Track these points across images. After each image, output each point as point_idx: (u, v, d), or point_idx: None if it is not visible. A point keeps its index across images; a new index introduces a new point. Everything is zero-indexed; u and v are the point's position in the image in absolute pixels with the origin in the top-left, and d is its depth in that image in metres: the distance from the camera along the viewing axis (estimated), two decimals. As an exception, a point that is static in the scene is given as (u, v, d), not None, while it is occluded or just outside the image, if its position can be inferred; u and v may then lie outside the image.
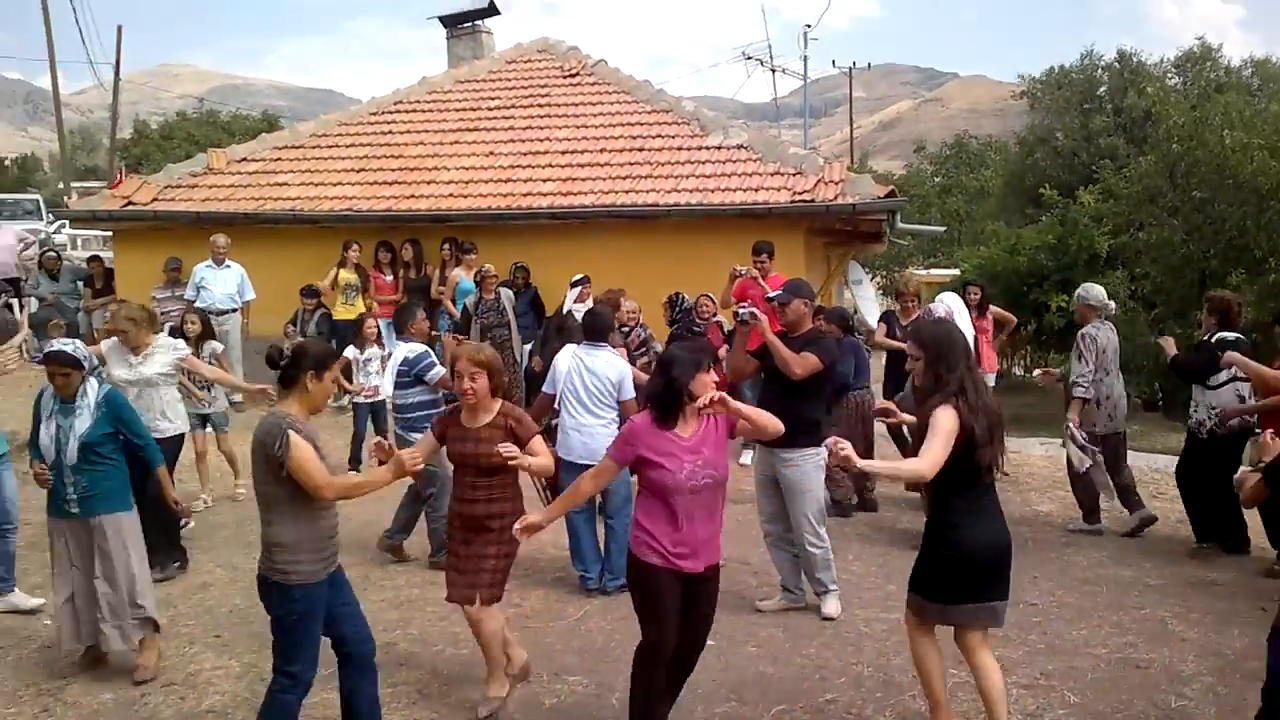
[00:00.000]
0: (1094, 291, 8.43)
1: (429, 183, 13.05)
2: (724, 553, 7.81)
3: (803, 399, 6.37)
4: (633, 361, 11.42)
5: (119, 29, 33.63)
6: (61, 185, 34.89)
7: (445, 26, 16.89)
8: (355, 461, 9.82)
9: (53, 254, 14.33)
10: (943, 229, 21.94)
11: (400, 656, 6.06)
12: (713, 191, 11.92)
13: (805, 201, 11.49)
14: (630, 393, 7.25)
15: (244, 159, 14.33)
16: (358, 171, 13.52)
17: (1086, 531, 8.43)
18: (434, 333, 7.72)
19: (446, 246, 12.38)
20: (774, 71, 36.03)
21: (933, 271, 26.55)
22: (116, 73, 34.28)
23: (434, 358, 7.59)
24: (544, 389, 7.47)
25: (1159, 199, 16.38)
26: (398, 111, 14.99)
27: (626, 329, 11.74)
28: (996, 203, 26.62)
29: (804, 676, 5.77)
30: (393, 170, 13.42)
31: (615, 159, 12.88)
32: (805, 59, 36.50)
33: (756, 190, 11.86)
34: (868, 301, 15.21)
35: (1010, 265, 18.60)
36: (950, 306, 8.31)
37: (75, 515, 5.56)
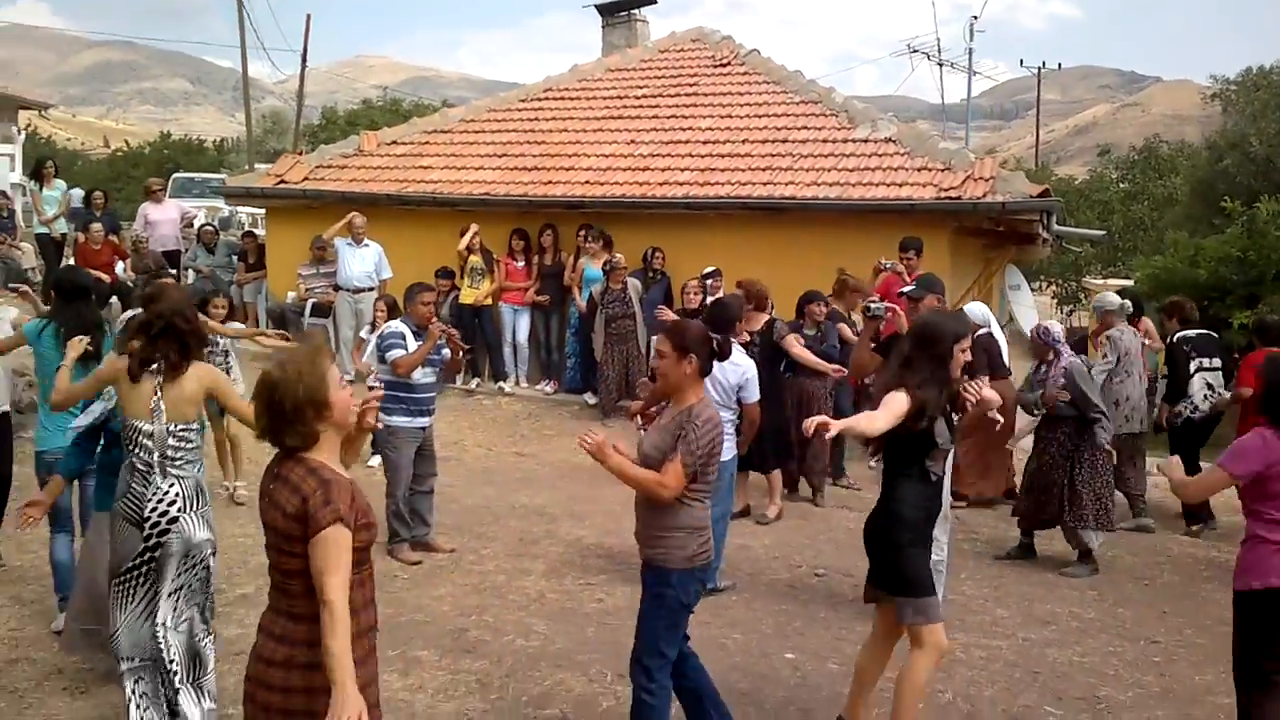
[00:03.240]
0: (1109, 298, 9.11)
1: (568, 169, 12.97)
2: (825, 561, 7.57)
3: None
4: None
5: (308, 17, 35.02)
6: (247, 167, 36.56)
7: (601, 15, 16.83)
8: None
9: (210, 228, 14.90)
10: (1101, 233, 20.56)
11: (468, 644, 5.92)
12: (854, 186, 11.44)
13: (951, 198, 10.89)
14: (754, 395, 6.87)
15: (393, 142, 14.57)
16: (500, 157, 13.54)
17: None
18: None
19: (582, 234, 12.27)
20: (940, 66, 34.21)
21: (1109, 281, 25.14)
22: (304, 60, 35.78)
23: (403, 339, 7.11)
24: None
25: (1360, 210, 14.97)
26: (546, 99, 14.98)
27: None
28: (1182, 211, 24.98)
29: (883, 700, 5.35)
30: (534, 156, 13.39)
31: (756, 150, 12.52)
32: (970, 51, 34.61)
33: (900, 186, 11.31)
34: (1024, 308, 14.43)
35: (1189, 277, 17.35)
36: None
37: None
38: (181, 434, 4.62)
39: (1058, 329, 7.87)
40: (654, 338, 4.28)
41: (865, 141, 12.29)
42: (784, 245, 11.44)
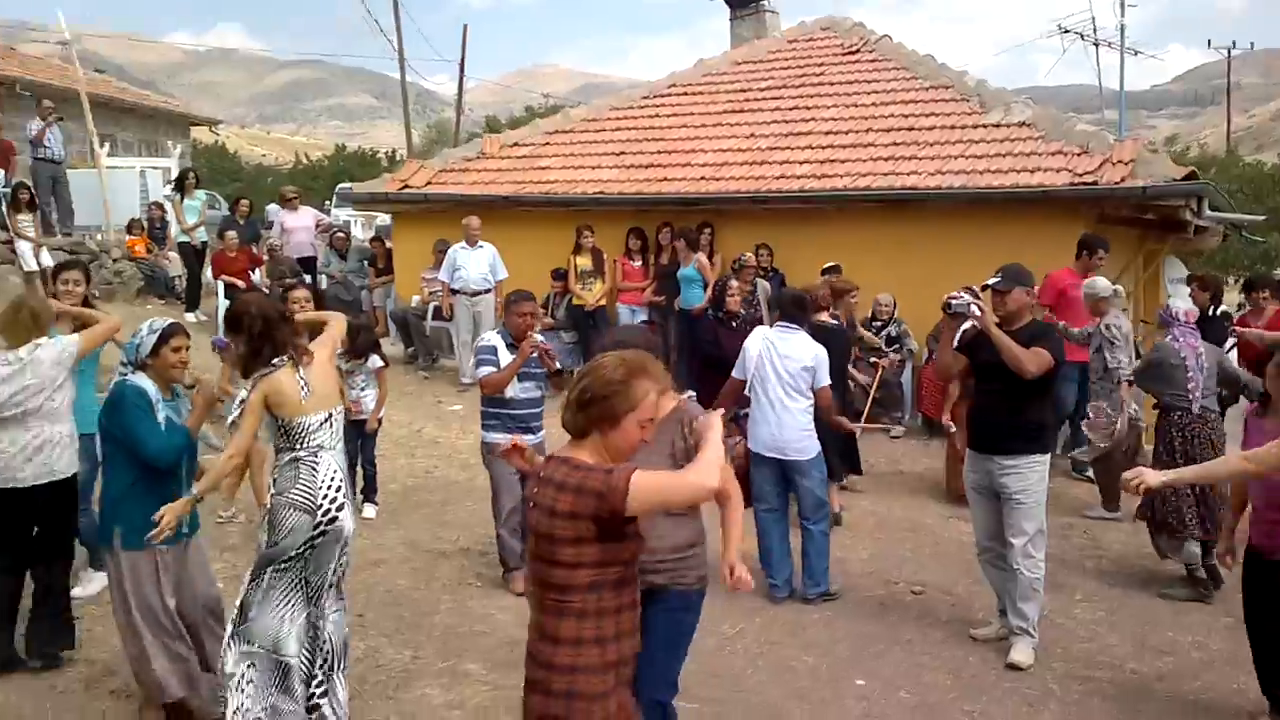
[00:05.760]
0: (1099, 284, 8.35)
1: (685, 165, 12.63)
2: (926, 577, 7.02)
3: (1029, 400, 5.61)
4: (881, 356, 10.59)
5: (464, 28, 35.70)
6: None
7: (730, 7, 16.41)
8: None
9: (341, 234, 15.19)
10: (1259, 218, 18.73)
11: (520, 658, 5.64)
12: (982, 173, 10.72)
13: (1086, 184, 10.08)
14: (826, 379, 6.59)
15: (515, 144, 14.53)
16: (618, 155, 13.32)
17: (1105, 518, 8.27)
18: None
19: (708, 231, 11.90)
20: (1096, 46, 31.37)
21: (1303, 271, 23.18)
22: (461, 69, 36.48)
23: (493, 354, 6.54)
24: (734, 373, 6.80)
25: None
26: (669, 95, 14.68)
27: (880, 322, 10.86)
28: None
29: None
30: (651, 154, 13.11)
31: (879, 139, 11.89)
32: (1122, 28, 31.50)
33: (1032, 172, 10.54)
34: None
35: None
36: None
37: (182, 536, 4.67)
38: (339, 416, 4.70)
39: (1181, 307, 7.17)
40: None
41: (997, 126, 11.53)
42: (905, 239, 10.85)
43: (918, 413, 10.76)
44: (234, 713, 4.40)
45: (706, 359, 8.57)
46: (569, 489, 2.92)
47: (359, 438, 7.95)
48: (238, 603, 4.55)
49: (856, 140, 12.04)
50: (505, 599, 6.57)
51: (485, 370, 6.53)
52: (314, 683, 4.52)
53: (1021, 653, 5.59)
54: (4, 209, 13.18)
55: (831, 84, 13.52)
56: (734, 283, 9.01)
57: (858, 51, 14.17)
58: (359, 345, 7.87)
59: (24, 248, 12.35)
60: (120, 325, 4.72)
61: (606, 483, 2.86)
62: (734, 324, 8.59)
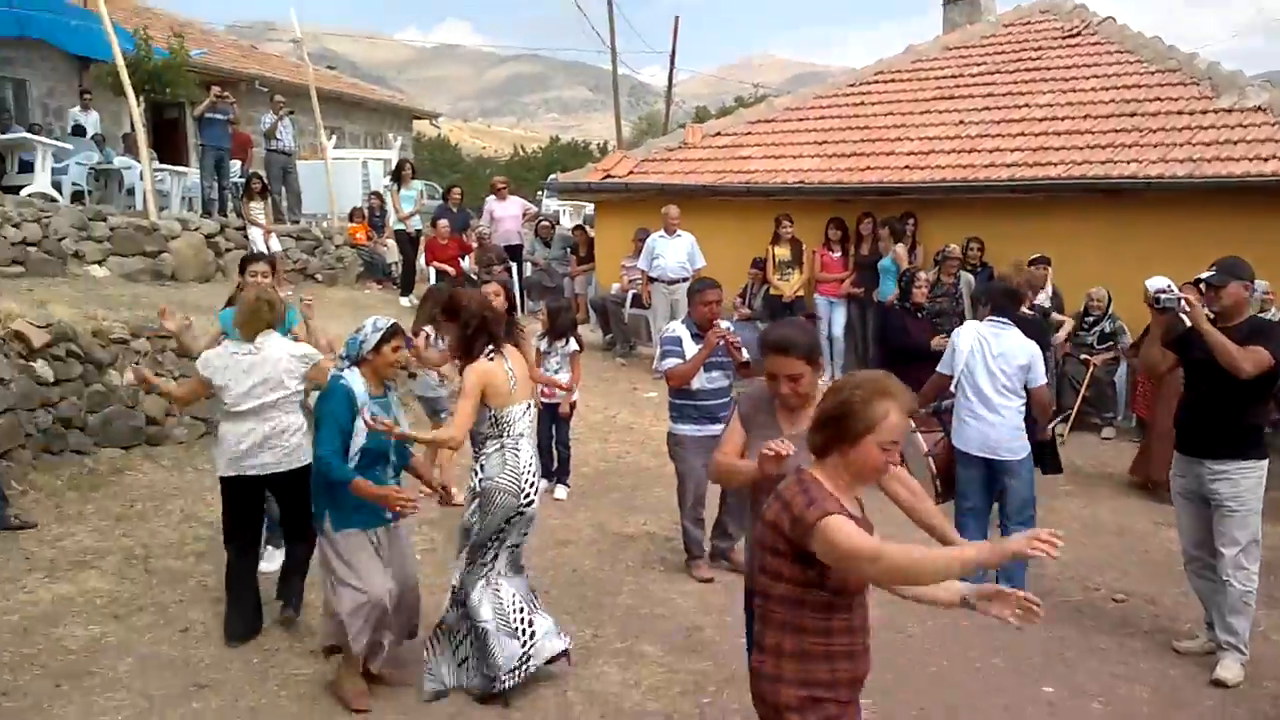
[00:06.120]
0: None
1: (888, 154, 12.35)
2: (1130, 584, 6.66)
3: (1243, 401, 5.25)
4: (1092, 353, 10.11)
5: (675, 20, 35.95)
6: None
7: (943, -9, 15.95)
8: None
9: (546, 222, 15.58)
10: None
11: (697, 643, 5.70)
12: (1210, 161, 10.04)
13: (1323, 173, 9.31)
14: (1042, 378, 6.34)
15: (717, 133, 14.53)
16: (819, 144, 13.15)
17: None
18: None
19: (911, 221, 11.64)
20: None
21: None
22: (672, 60, 36.68)
23: (678, 345, 6.47)
24: (939, 368, 6.61)
25: None
26: (875, 82, 14.37)
27: (1092, 318, 10.36)
28: None
29: None
30: (854, 142, 12.88)
31: (1098, 125, 11.30)
32: None
33: (1266, 160, 9.80)
34: None
35: None
36: None
37: (387, 521, 4.93)
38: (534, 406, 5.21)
39: None
40: (768, 359, 3.74)
41: (1229, 111, 10.77)
42: (1123, 231, 10.30)
43: (1131, 413, 10.20)
44: (461, 664, 4.99)
45: (894, 349, 8.40)
46: (780, 499, 2.91)
47: (554, 421, 8.16)
48: (455, 582, 5.00)
49: (1073, 127, 11.48)
50: (686, 584, 6.62)
51: (670, 362, 6.49)
52: (519, 630, 4.91)
53: (1228, 669, 5.24)
54: (239, 197, 14.18)
55: (1048, 68, 12.93)
56: (921, 274, 8.78)
57: (1078, 34, 13.51)
58: (559, 325, 8.04)
59: (255, 234, 13.21)
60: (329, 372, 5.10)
61: (804, 511, 2.82)
62: (919, 314, 8.38)
